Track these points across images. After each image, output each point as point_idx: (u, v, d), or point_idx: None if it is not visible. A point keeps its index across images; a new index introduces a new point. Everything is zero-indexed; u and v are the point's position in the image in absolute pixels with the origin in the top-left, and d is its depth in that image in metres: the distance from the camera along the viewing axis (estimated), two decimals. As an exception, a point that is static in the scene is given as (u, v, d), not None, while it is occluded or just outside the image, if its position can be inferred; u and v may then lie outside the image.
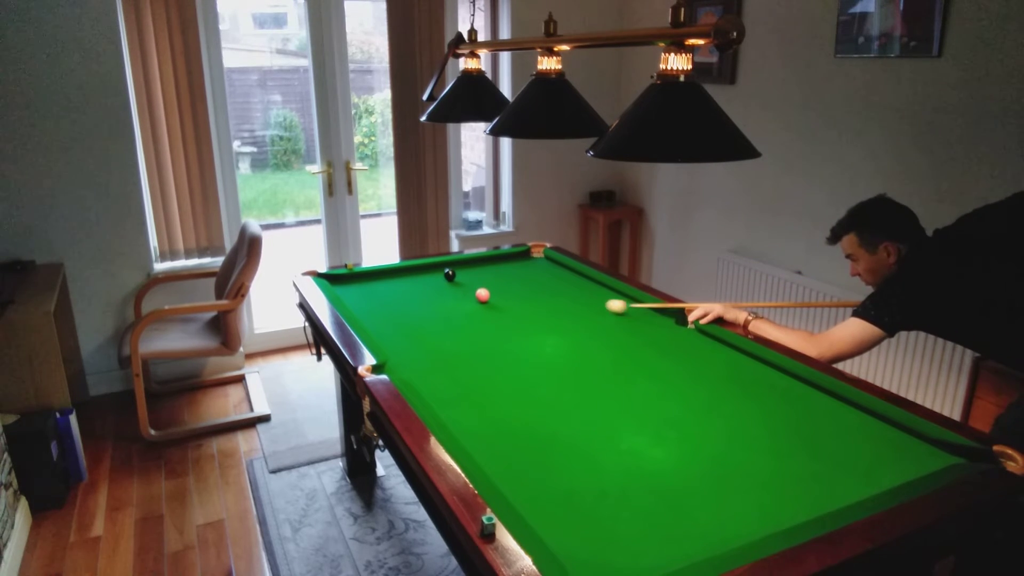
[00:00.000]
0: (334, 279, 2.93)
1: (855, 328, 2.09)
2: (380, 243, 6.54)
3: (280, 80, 9.23)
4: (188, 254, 3.94)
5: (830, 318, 3.33)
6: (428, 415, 1.79)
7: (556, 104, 2.05)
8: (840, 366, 2.11)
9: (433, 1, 4.10)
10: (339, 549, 2.64)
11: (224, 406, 3.76)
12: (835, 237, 2.25)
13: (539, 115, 2.06)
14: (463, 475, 1.51)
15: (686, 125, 1.46)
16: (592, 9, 4.53)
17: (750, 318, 2.31)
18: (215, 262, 3.94)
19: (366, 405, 1.97)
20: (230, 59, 4.45)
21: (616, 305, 2.52)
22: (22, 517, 2.70)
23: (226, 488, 3.05)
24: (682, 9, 1.45)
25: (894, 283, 2.09)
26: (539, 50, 2.06)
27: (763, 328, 2.27)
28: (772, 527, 1.38)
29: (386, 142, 8.48)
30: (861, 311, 2.10)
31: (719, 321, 2.36)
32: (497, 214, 4.86)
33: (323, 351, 2.65)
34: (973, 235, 2.09)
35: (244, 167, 8.91)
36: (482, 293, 2.65)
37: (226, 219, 4.03)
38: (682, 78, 1.47)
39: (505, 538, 1.32)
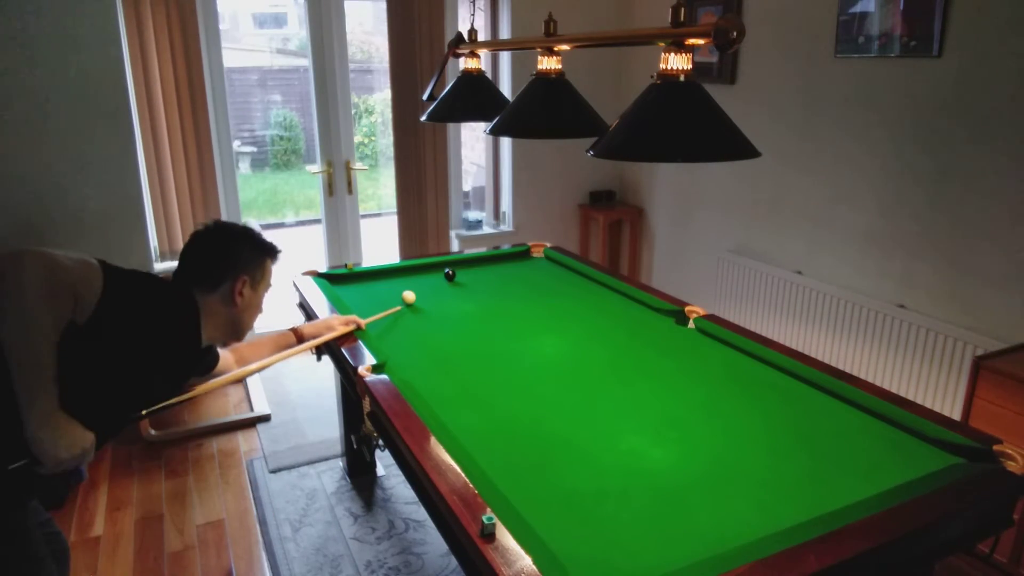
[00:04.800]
0: (334, 279, 2.93)
1: None
2: (380, 243, 6.53)
3: (280, 80, 9.24)
4: (188, 254, 3.94)
5: (830, 317, 3.33)
6: (428, 415, 1.79)
7: (556, 104, 2.05)
8: (839, 366, 2.11)
9: (433, 1, 4.10)
10: (339, 549, 2.64)
11: (224, 406, 3.76)
12: None
13: (539, 115, 2.06)
14: (463, 475, 1.51)
15: (686, 125, 1.46)
16: (592, 9, 4.53)
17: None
18: (215, 262, 3.94)
19: (366, 405, 1.97)
20: (230, 59, 4.45)
21: (409, 296, 2.69)
22: (22, 517, 2.70)
23: (226, 488, 3.04)
24: (682, 9, 1.45)
25: None
26: (539, 50, 2.06)
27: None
28: (772, 527, 1.38)
29: (386, 142, 8.48)
30: None
31: None
32: (497, 214, 4.86)
33: (323, 351, 2.65)
34: None
35: (244, 167, 8.91)
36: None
37: (226, 219, 4.02)
38: (682, 78, 1.47)
39: (505, 538, 1.32)
